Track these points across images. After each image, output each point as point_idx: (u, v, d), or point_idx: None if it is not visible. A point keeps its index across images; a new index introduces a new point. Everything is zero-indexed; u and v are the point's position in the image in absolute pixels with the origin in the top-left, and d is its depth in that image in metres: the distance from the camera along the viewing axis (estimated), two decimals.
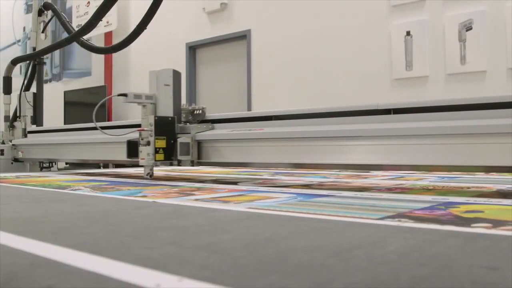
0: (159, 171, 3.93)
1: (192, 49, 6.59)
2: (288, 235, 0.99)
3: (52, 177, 3.23)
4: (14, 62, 4.64)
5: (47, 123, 4.68)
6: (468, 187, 2.04)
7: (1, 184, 2.61)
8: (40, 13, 4.75)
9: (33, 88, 4.67)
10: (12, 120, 4.52)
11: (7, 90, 4.67)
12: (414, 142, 1.96)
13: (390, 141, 2.03)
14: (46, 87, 5.43)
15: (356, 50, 4.97)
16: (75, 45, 5.31)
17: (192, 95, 6.49)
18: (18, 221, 1.27)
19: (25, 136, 4.39)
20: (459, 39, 4.31)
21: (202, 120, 2.81)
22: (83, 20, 7.20)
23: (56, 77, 8.49)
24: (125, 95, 2.59)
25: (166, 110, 2.73)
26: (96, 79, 7.68)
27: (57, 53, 8.34)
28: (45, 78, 6.79)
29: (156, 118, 2.60)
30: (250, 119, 2.65)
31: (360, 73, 4.92)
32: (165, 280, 0.66)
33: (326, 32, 5.19)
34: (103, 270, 0.71)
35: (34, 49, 4.71)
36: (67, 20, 4.36)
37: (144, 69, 7.08)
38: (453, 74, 4.36)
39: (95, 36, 7.10)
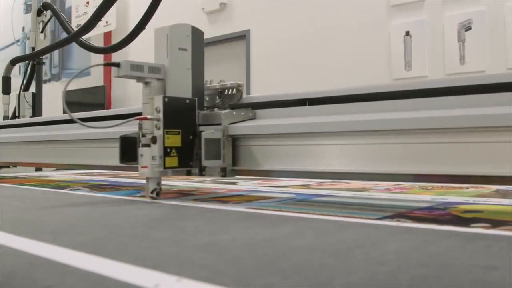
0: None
1: None
2: (287, 235, 0.99)
3: (52, 177, 3.22)
4: (13, 62, 4.63)
5: None
6: (467, 187, 2.04)
7: (0, 184, 2.61)
8: (39, 13, 4.74)
9: (32, 88, 4.66)
10: None
11: (6, 90, 4.67)
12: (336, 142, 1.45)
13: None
14: (45, 87, 5.42)
15: (355, 50, 4.97)
16: (74, 45, 5.30)
17: None
18: (17, 221, 1.27)
19: None
20: (458, 39, 4.31)
21: (237, 104, 1.82)
22: (82, 20, 7.20)
23: (55, 77, 8.49)
24: (117, 64, 1.61)
25: (182, 89, 1.72)
26: (95, 79, 7.67)
27: (56, 53, 8.33)
28: (44, 78, 6.78)
29: (167, 99, 1.62)
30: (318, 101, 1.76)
31: (360, 73, 4.92)
32: (164, 280, 0.66)
33: (325, 32, 5.20)
34: (102, 270, 0.71)
35: (33, 49, 4.70)
36: (66, 20, 4.36)
37: None
38: (453, 74, 4.36)
39: (94, 36, 7.09)
